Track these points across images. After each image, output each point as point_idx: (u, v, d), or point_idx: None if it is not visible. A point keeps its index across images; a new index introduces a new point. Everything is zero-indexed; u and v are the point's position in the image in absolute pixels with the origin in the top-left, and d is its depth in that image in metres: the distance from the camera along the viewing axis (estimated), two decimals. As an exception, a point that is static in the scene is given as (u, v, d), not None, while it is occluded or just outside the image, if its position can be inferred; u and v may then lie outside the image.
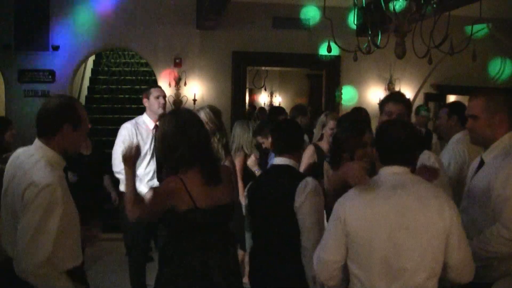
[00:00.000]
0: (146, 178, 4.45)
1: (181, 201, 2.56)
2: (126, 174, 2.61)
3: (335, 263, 2.25)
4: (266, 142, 5.02)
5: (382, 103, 3.25)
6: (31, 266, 2.16)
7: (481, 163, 2.66)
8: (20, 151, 2.41)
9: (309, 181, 2.76)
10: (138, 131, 4.47)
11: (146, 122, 4.56)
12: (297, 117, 5.71)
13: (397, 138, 2.24)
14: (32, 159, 2.29)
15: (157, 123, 4.52)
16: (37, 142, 2.36)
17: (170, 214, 2.59)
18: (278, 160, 2.92)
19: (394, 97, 3.28)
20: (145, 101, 4.59)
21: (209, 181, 2.61)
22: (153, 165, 4.49)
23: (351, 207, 2.22)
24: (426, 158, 3.00)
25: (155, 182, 4.47)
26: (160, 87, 4.74)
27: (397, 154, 2.25)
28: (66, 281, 2.27)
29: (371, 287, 2.15)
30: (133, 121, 4.58)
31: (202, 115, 3.77)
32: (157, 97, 4.53)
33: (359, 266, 2.19)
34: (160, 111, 4.52)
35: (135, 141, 4.44)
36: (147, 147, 4.46)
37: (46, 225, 2.17)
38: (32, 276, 2.19)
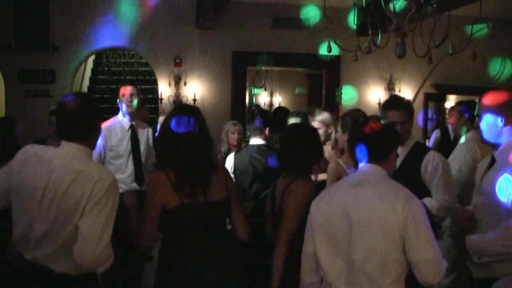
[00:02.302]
0: (128, 181, 4.34)
1: (169, 197, 2.48)
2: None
3: (311, 254, 2.33)
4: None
5: (384, 109, 3.25)
6: (105, 254, 2.26)
7: (492, 162, 2.69)
8: (50, 153, 2.36)
9: None
10: (112, 133, 4.34)
11: (121, 123, 4.41)
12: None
13: (367, 137, 2.31)
14: (81, 159, 2.32)
15: (133, 122, 4.43)
16: (72, 144, 2.35)
17: (162, 213, 2.52)
18: (254, 141, 3.93)
19: (394, 104, 3.24)
20: (118, 101, 4.47)
21: (184, 180, 2.50)
22: (131, 167, 4.36)
23: (317, 203, 2.34)
24: (430, 158, 3.05)
25: (135, 185, 4.35)
26: (130, 85, 4.53)
27: (370, 153, 2.31)
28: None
29: (332, 279, 2.21)
30: (108, 122, 4.43)
31: None
32: (122, 95, 4.38)
33: (323, 258, 2.25)
34: (129, 109, 4.36)
35: (109, 144, 4.30)
36: (122, 149, 4.33)
37: (112, 217, 2.30)
38: (103, 262, 2.28)
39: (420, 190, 2.86)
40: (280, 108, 7.47)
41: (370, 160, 2.32)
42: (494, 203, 2.54)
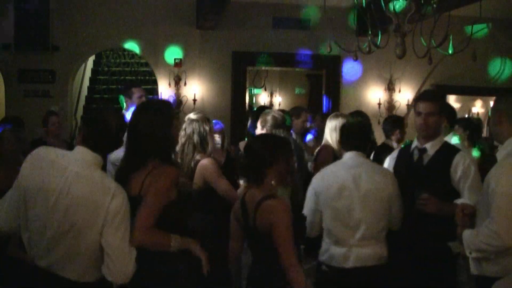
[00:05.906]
0: None
1: (172, 193, 2.46)
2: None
3: (313, 222, 3.08)
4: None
5: (414, 103, 3.30)
6: (133, 268, 2.29)
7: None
8: (64, 158, 2.32)
9: None
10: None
11: None
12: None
13: (352, 132, 3.16)
14: (95, 168, 2.32)
15: None
16: (86, 151, 2.33)
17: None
18: None
19: (424, 96, 3.29)
20: (126, 100, 4.43)
21: None
22: None
23: (321, 180, 3.11)
24: (461, 159, 3.08)
25: None
26: (140, 87, 4.58)
27: (352, 143, 3.13)
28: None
29: (341, 237, 3.00)
30: None
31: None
32: (140, 97, 4.35)
33: (330, 222, 3.03)
34: None
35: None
36: None
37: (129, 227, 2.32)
38: (132, 275, 2.29)
39: (446, 189, 3.05)
40: (262, 107, 7.30)
41: (356, 149, 3.12)
42: (482, 200, 2.59)
